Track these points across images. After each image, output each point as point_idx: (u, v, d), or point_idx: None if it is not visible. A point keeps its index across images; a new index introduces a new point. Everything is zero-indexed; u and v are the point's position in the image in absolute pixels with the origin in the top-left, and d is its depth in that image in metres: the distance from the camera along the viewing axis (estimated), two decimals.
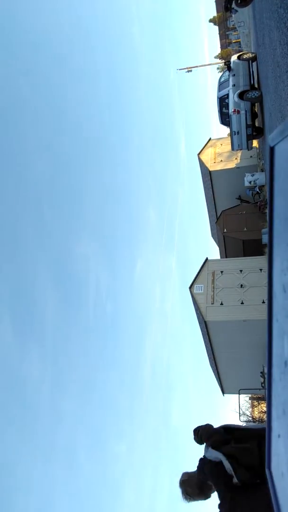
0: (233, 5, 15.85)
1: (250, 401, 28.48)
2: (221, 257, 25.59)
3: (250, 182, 20.83)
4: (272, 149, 0.89)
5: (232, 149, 18.38)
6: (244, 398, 27.07)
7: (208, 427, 2.94)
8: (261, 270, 17.76)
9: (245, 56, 16.52)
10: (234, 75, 16.49)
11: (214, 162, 25.96)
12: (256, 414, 25.15)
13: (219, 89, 17.77)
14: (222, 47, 71.67)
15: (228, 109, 17.15)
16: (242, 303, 17.40)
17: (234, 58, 17.05)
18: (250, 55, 16.34)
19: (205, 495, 2.74)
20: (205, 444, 2.85)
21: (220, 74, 18.57)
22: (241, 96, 15.96)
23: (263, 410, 24.08)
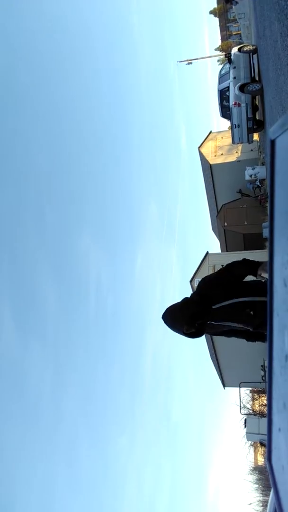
0: None
1: (250, 394, 28.58)
2: (221, 251, 25.57)
3: (251, 176, 20.76)
4: (273, 142, 0.88)
5: (233, 142, 18.29)
6: (245, 391, 27.14)
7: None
8: None
9: (245, 49, 16.39)
10: (234, 67, 16.38)
11: (215, 156, 25.84)
12: (257, 407, 25.26)
13: (220, 82, 17.66)
14: (222, 39, 71.08)
15: (228, 102, 17.05)
16: None
17: (234, 50, 16.92)
18: (251, 47, 16.21)
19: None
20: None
21: (221, 66, 18.44)
22: (241, 89, 15.85)
23: (263, 403, 24.18)
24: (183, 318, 2.64)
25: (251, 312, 2.67)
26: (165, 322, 2.78)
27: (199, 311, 2.65)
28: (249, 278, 2.85)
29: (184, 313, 2.66)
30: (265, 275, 2.69)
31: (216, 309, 2.70)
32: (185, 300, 2.76)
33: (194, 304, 2.70)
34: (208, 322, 2.74)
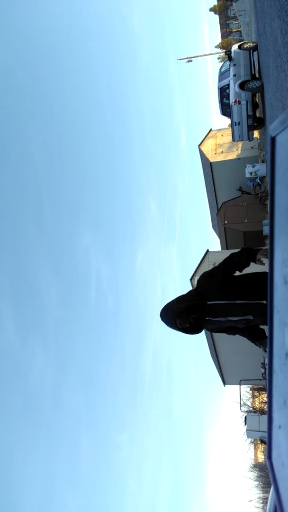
0: None
1: (251, 391, 28.63)
2: (221, 248, 25.55)
3: (251, 173, 20.71)
4: (273, 140, 0.88)
5: (233, 140, 18.24)
6: (245, 389, 27.20)
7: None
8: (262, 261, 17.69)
9: (246, 46, 16.31)
10: (235, 65, 16.31)
11: (215, 153, 25.77)
12: (257, 405, 25.30)
13: (220, 79, 17.59)
14: (222, 36, 70.74)
15: (229, 99, 16.99)
16: None
17: (235, 47, 16.83)
18: (251, 44, 16.15)
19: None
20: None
21: (221, 64, 18.37)
22: (242, 86, 15.79)
23: (263, 401, 24.22)
24: (176, 312, 2.64)
25: (251, 318, 2.68)
26: (162, 319, 2.75)
27: (192, 305, 2.64)
28: (251, 270, 2.84)
29: (178, 306, 2.65)
30: (265, 260, 2.69)
31: (212, 305, 2.67)
32: (181, 295, 2.75)
33: (189, 298, 2.70)
34: (207, 318, 2.72)
